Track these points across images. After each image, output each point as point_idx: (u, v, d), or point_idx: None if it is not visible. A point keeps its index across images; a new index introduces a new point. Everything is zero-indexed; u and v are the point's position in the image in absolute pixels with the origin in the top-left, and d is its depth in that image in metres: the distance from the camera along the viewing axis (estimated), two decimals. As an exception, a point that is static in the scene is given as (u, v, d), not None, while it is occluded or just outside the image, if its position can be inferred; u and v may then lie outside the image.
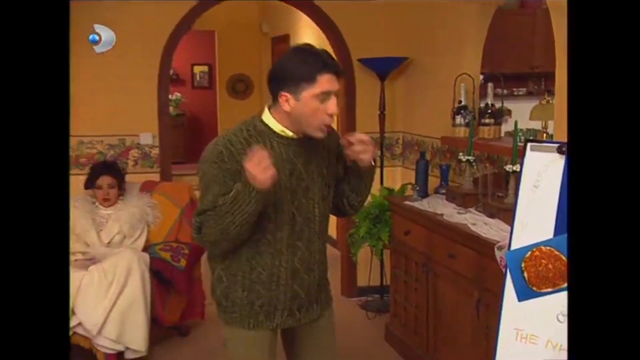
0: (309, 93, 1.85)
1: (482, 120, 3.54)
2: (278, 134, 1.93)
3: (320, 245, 2.07)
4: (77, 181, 3.91)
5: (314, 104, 1.85)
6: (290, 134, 1.93)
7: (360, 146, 1.92)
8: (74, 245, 3.62)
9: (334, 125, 4.97)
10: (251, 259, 1.96)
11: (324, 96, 1.86)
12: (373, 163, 2.02)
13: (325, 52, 1.92)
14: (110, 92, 4.09)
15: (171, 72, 9.49)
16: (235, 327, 2.03)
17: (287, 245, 1.97)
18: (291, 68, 1.87)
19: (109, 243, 3.69)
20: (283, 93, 1.87)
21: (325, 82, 1.85)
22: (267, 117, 1.95)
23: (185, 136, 9.48)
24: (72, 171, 4.03)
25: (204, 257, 3.88)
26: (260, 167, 1.74)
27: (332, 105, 1.87)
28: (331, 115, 1.89)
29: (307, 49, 1.91)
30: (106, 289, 3.33)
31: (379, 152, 4.52)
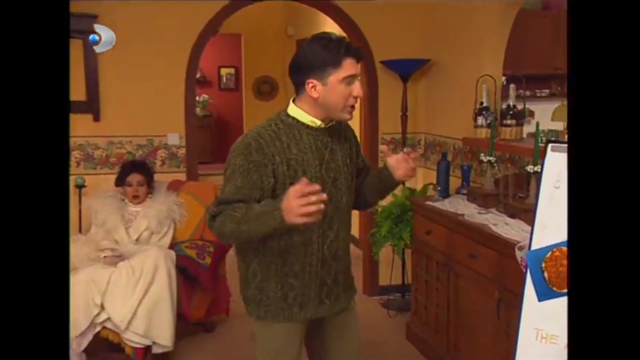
0: (335, 77, 1.91)
1: (504, 122, 3.54)
2: (307, 125, 1.98)
3: (345, 234, 2.11)
4: (107, 180, 4.04)
5: (341, 87, 1.92)
6: (318, 123, 1.98)
7: (406, 161, 2.01)
8: (103, 242, 3.72)
9: (357, 125, 4.98)
10: (284, 251, 1.99)
11: (350, 79, 1.92)
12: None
13: (345, 38, 1.98)
14: (139, 94, 4.16)
15: (198, 74, 9.70)
16: (269, 321, 2.05)
17: (317, 234, 2.01)
18: (315, 55, 1.91)
19: (137, 239, 3.78)
20: (310, 80, 1.93)
21: (350, 66, 1.92)
22: (294, 110, 2.00)
23: (212, 137, 9.61)
24: (102, 170, 4.15)
25: (229, 255, 3.99)
26: (303, 206, 1.74)
27: (357, 87, 1.94)
28: (356, 98, 1.95)
29: (326, 36, 1.96)
30: (134, 285, 3.40)
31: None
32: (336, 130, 2.06)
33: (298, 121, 1.98)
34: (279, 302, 2.03)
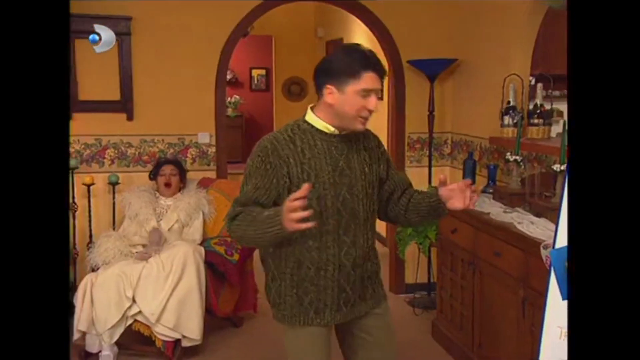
0: (352, 88, 1.95)
1: (531, 121, 3.54)
2: (321, 130, 2.03)
3: (365, 242, 2.10)
4: (139, 178, 4.15)
5: (356, 98, 1.96)
6: (332, 129, 2.02)
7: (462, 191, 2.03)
8: (135, 238, 3.83)
9: (384, 125, 4.99)
10: (299, 255, 2.02)
11: (366, 93, 1.96)
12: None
13: (372, 52, 2.01)
14: (171, 94, 4.26)
15: (231, 75, 9.86)
16: (289, 325, 2.09)
17: (333, 240, 2.02)
18: (338, 63, 1.97)
19: (168, 231, 3.87)
20: (328, 85, 1.98)
21: (369, 79, 1.95)
22: (310, 117, 2.06)
23: (243, 137, 9.74)
24: (135, 168, 4.27)
25: (256, 253, 4.04)
26: (291, 213, 1.79)
27: (372, 101, 1.98)
28: (370, 111, 1.99)
29: (354, 47, 2.02)
30: (164, 279, 3.49)
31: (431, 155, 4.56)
32: (355, 138, 2.09)
33: (313, 127, 2.04)
34: (294, 307, 2.07)
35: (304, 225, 1.82)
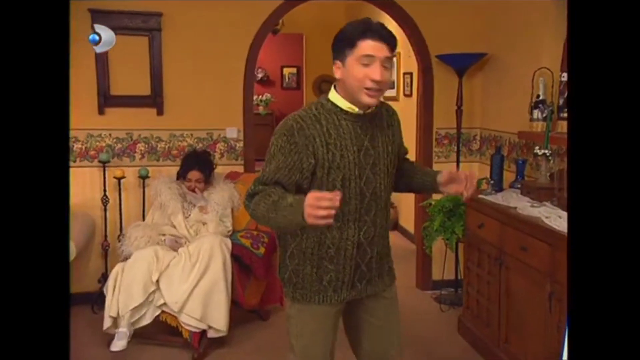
0: (351, 58, 1.91)
1: (561, 115, 3.47)
2: (345, 110, 2.00)
3: (382, 219, 2.11)
4: (168, 172, 4.21)
5: (357, 68, 1.90)
6: (356, 109, 1.99)
7: (465, 183, 2.07)
8: (164, 228, 3.89)
9: (412, 119, 4.93)
10: (320, 234, 2.02)
11: (367, 60, 1.90)
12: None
13: (376, 22, 1.94)
14: (200, 89, 4.31)
15: (262, 73, 9.94)
16: (305, 303, 2.09)
17: (354, 219, 2.03)
18: (340, 37, 1.94)
19: (196, 226, 3.92)
20: (335, 61, 1.97)
21: (367, 46, 1.89)
22: (334, 96, 2.02)
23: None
24: (164, 162, 4.33)
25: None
26: (320, 210, 1.73)
27: (374, 70, 1.90)
28: (375, 82, 1.90)
29: (357, 19, 1.96)
30: (189, 269, 3.54)
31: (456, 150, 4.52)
32: (379, 116, 2.08)
33: (337, 106, 2.00)
34: (314, 285, 2.07)
35: (324, 222, 1.76)
